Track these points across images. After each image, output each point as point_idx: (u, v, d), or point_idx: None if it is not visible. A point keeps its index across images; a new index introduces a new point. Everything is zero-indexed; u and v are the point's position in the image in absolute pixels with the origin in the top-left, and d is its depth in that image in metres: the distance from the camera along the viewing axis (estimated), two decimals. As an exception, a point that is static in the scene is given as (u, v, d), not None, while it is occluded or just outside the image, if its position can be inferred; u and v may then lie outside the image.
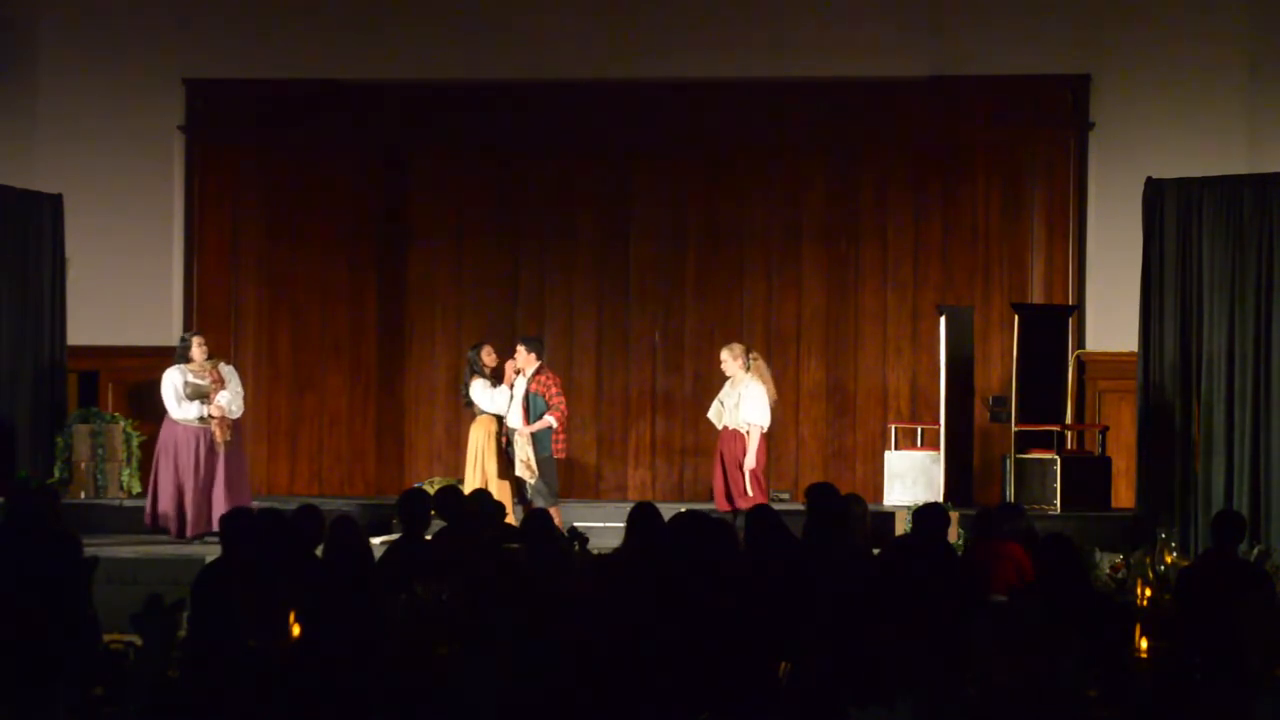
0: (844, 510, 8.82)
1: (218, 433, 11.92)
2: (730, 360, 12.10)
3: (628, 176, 14.89)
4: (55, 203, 13.78)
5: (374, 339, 15.10)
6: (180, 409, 11.93)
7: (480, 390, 12.39)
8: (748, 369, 12.05)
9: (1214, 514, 9.05)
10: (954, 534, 10.59)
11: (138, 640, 5.59)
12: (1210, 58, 13.90)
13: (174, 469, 11.91)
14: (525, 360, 12.28)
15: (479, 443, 12.38)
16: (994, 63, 14.28)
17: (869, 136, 14.65)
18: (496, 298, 14.97)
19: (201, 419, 11.92)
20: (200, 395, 11.93)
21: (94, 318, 14.34)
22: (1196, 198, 12.04)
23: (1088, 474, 12.76)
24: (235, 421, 12.07)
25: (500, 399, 12.34)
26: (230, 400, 12.00)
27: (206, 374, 12.00)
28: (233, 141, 14.99)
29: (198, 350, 12.04)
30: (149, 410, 14.35)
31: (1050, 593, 6.85)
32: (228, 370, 12.22)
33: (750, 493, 11.72)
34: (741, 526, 8.89)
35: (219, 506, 11.51)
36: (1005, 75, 14.33)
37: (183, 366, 12.02)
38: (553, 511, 11.71)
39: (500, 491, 11.98)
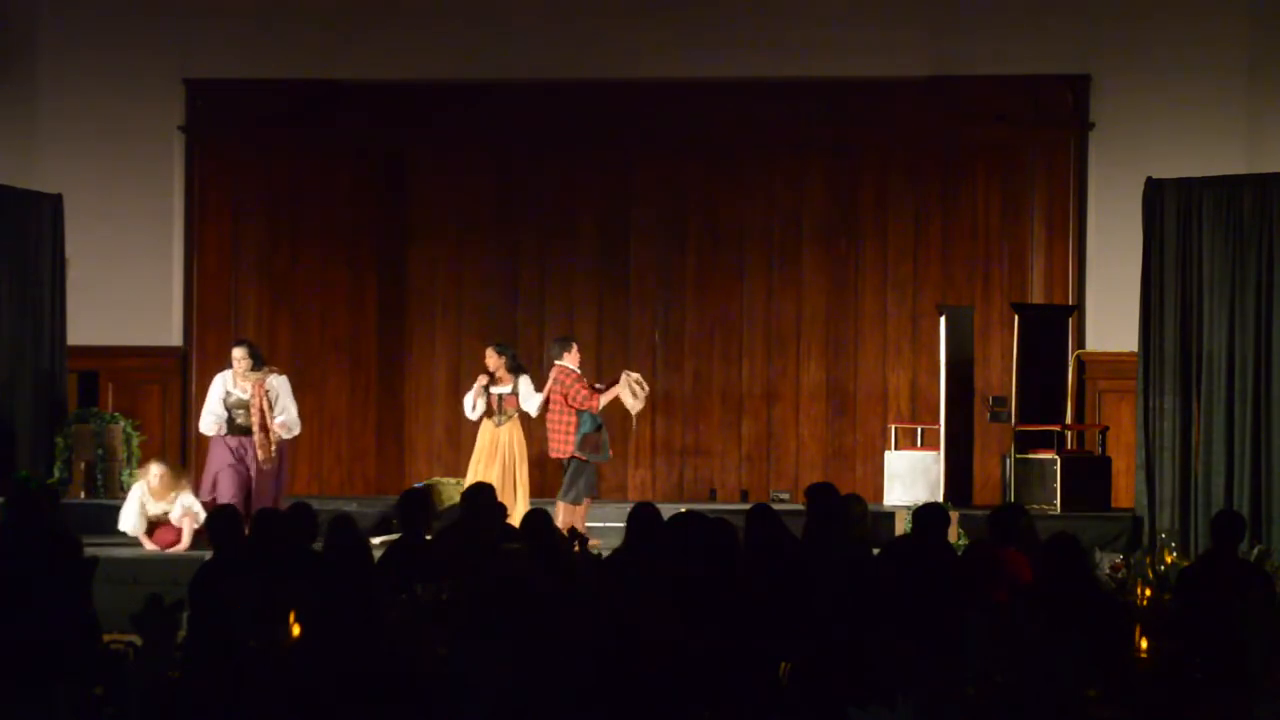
0: (844, 510, 8.81)
1: (260, 452, 11.74)
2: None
3: (628, 176, 14.90)
4: (55, 203, 13.77)
5: (374, 339, 15.10)
6: (203, 422, 11.85)
7: (528, 387, 12.32)
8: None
9: (1214, 514, 9.05)
10: (954, 534, 10.60)
11: (138, 640, 5.59)
12: (1210, 58, 13.90)
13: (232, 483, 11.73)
14: (572, 357, 12.25)
15: (510, 441, 12.27)
16: (994, 63, 14.28)
17: (869, 136, 14.65)
18: (496, 298, 14.98)
19: (236, 429, 11.74)
20: (240, 407, 11.81)
21: (94, 318, 14.33)
22: (1196, 198, 12.03)
23: (1088, 474, 12.75)
24: (282, 441, 11.84)
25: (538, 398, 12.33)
26: (284, 422, 11.74)
27: (248, 387, 11.76)
28: (233, 141, 14.98)
29: (236, 362, 11.82)
30: (147, 410, 14.39)
31: (1052, 592, 6.85)
32: (278, 382, 11.86)
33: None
34: (740, 526, 8.87)
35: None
36: (1005, 75, 14.33)
37: (228, 375, 11.88)
38: (580, 509, 11.99)
39: (524, 493, 12.05)
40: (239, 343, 12.16)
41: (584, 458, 12.19)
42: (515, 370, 12.32)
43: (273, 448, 11.77)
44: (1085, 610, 6.58)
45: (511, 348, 12.58)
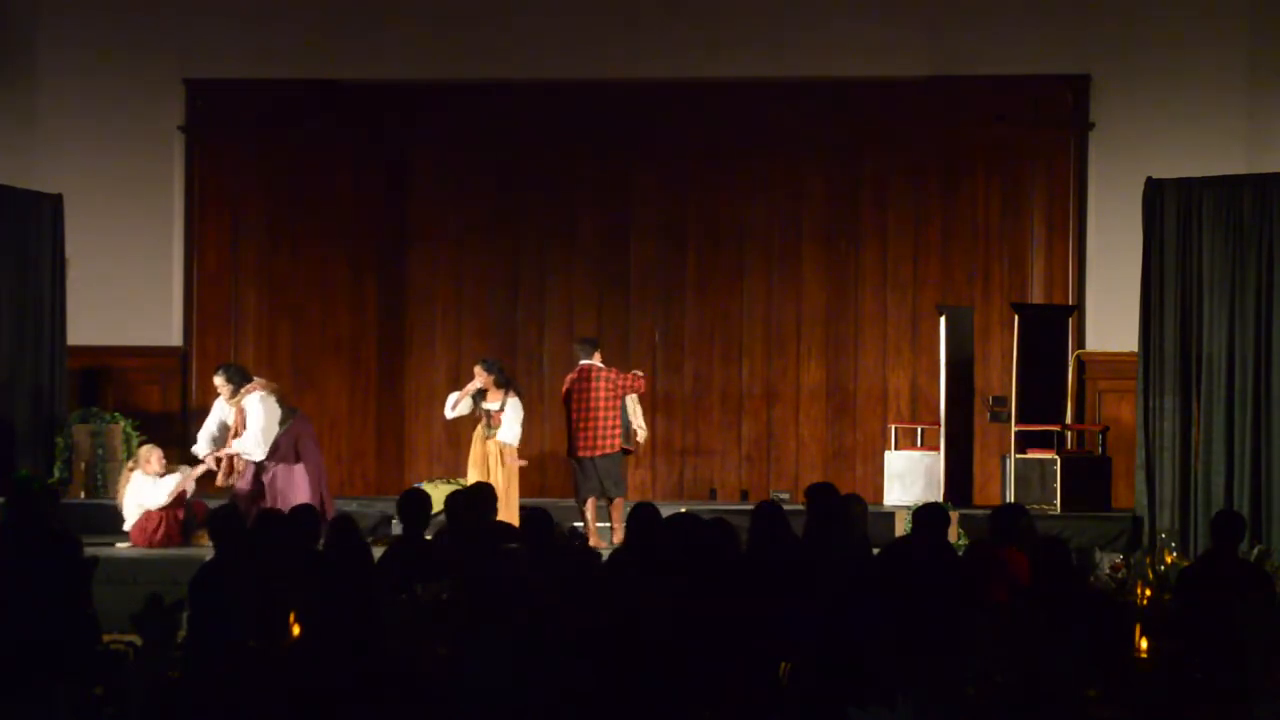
0: (844, 510, 8.81)
1: (219, 478, 11.63)
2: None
3: (628, 176, 14.89)
4: (55, 203, 13.78)
5: (374, 339, 15.10)
6: (199, 447, 11.74)
7: (513, 413, 12.24)
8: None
9: (1214, 514, 9.05)
10: (954, 534, 10.60)
11: (138, 640, 5.59)
12: (1210, 58, 13.89)
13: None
14: (599, 355, 12.38)
15: (499, 454, 12.25)
16: (994, 63, 14.27)
17: (869, 136, 14.64)
18: (496, 298, 14.97)
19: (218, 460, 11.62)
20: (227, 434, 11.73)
21: (94, 318, 14.33)
22: (1196, 198, 12.03)
23: (1088, 474, 12.75)
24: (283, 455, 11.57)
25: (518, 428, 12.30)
26: (237, 451, 11.49)
27: (231, 414, 11.62)
28: (233, 141, 14.98)
29: (218, 390, 11.63)
30: (147, 410, 14.37)
31: (1048, 595, 6.86)
32: (248, 402, 11.49)
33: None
34: (740, 526, 8.88)
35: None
36: (1005, 75, 14.32)
37: (222, 401, 11.74)
38: (593, 506, 12.11)
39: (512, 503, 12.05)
40: (217, 369, 11.93)
41: (631, 449, 12.47)
42: (504, 385, 12.24)
43: (226, 469, 11.56)
44: (1085, 610, 6.58)
45: (498, 362, 12.49)
